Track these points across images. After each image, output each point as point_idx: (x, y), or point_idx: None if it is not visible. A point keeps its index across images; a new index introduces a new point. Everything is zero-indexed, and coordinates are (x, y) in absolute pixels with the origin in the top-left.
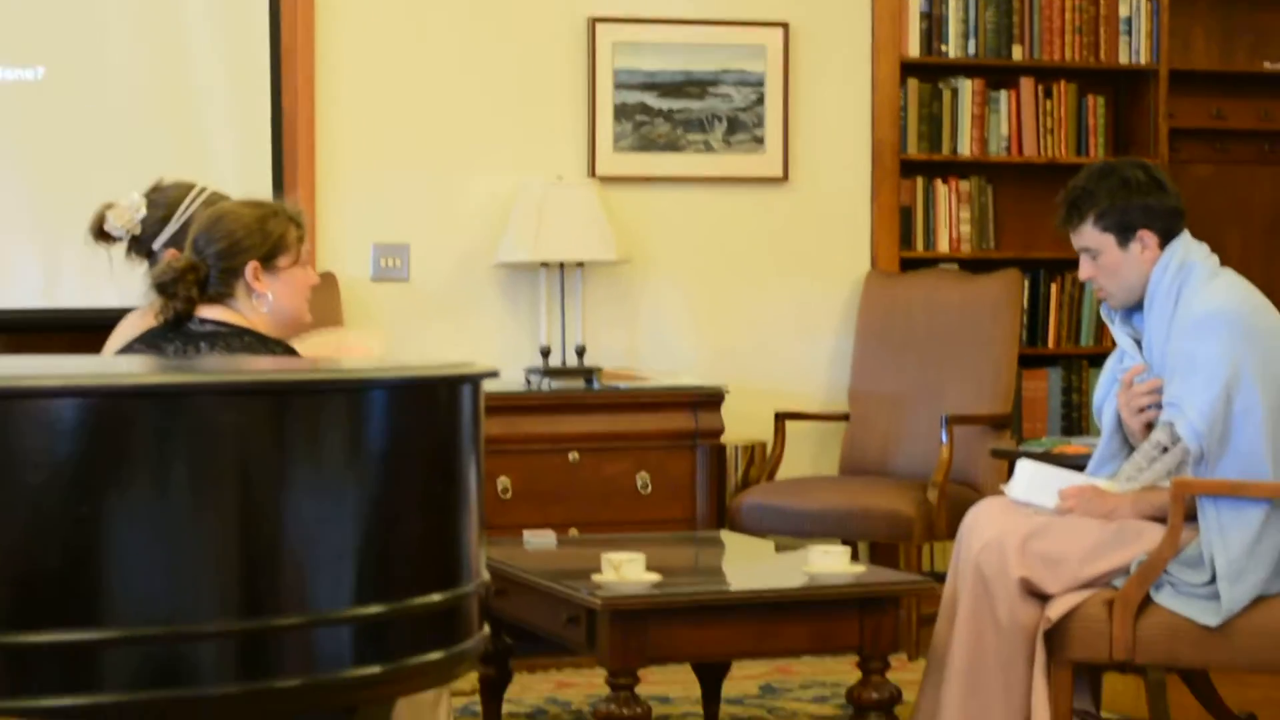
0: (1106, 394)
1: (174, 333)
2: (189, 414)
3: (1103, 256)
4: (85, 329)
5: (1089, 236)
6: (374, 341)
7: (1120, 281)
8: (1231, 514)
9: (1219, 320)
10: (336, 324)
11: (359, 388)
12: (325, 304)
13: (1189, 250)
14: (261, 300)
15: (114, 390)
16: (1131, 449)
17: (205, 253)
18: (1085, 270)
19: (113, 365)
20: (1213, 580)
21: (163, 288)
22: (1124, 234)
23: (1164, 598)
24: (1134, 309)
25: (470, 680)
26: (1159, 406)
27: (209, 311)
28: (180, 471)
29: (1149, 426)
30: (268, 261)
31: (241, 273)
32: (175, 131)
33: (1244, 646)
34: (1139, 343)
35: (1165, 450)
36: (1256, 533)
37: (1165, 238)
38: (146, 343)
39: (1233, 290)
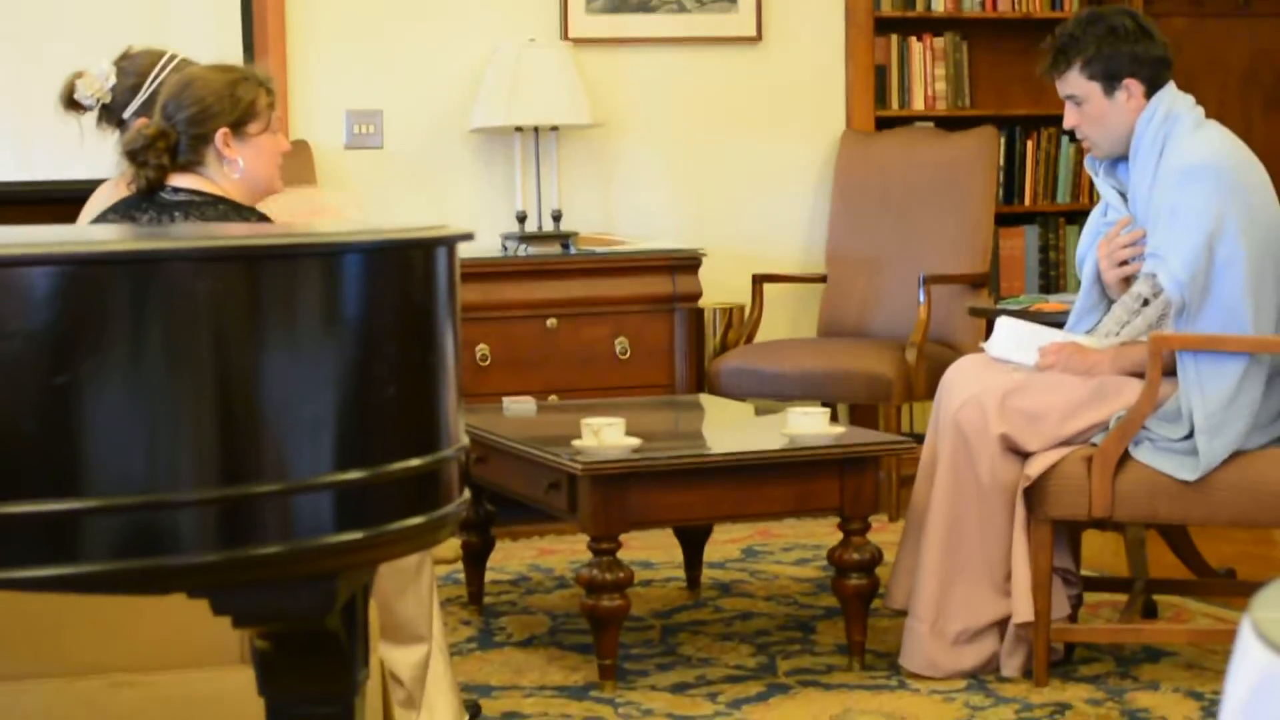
0: (1089, 247)
1: (147, 202)
2: (163, 280)
3: (1088, 104)
4: (59, 201)
5: (1075, 83)
6: (349, 203)
7: (1105, 130)
8: (1210, 367)
9: (1203, 171)
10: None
11: (333, 251)
12: (299, 171)
13: (1175, 100)
14: (232, 167)
15: (86, 258)
16: (1110, 302)
17: (175, 119)
18: (1070, 118)
19: (85, 233)
20: (1191, 435)
21: (133, 155)
22: (1110, 82)
23: (1142, 453)
24: (1119, 161)
25: (453, 548)
26: (1139, 259)
27: (181, 180)
28: (156, 338)
29: (1127, 281)
30: (238, 128)
31: (212, 139)
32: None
33: (1222, 501)
34: (1124, 196)
35: (1146, 302)
36: (1235, 386)
37: (1151, 87)
38: (120, 213)
39: (1218, 141)
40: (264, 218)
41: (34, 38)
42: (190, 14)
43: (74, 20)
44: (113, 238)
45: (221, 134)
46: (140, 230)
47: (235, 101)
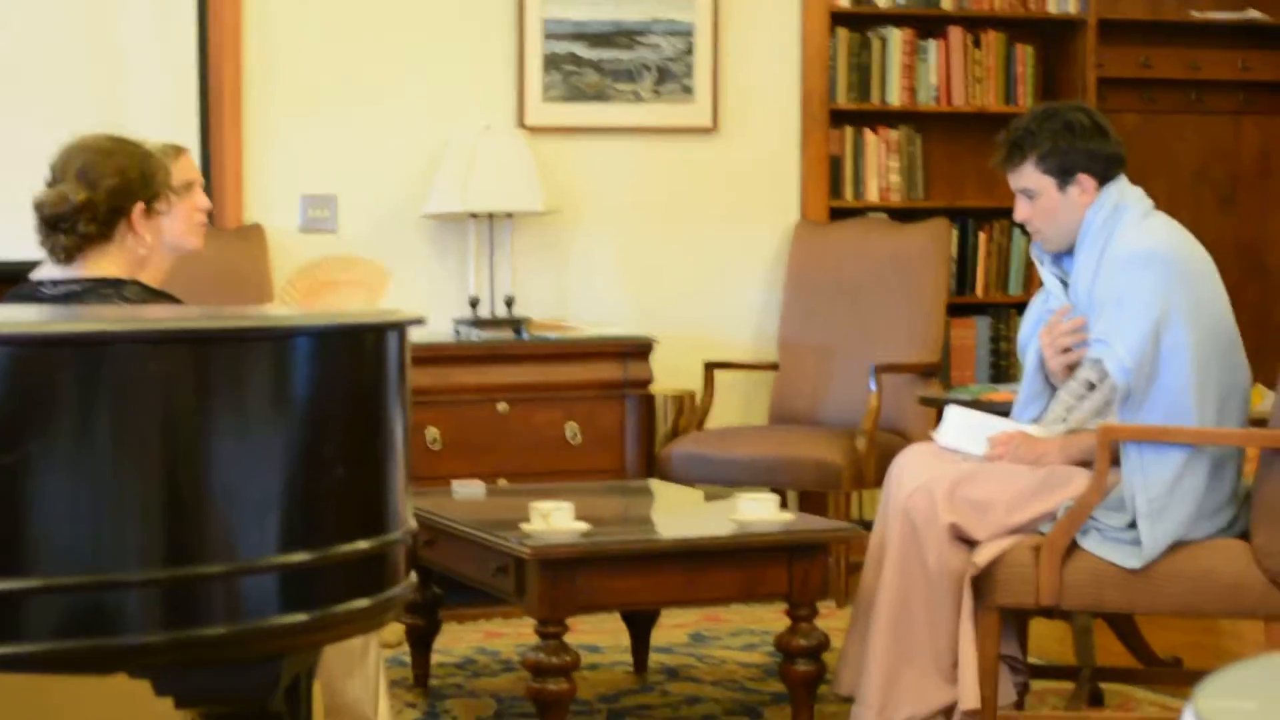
0: (1031, 334)
1: (32, 300)
2: (112, 361)
3: (1041, 199)
4: (14, 281)
5: (1029, 177)
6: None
7: (1056, 224)
8: (1153, 454)
9: (1151, 258)
10: (264, 276)
11: (283, 334)
12: (253, 256)
13: (1124, 193)
14: (139, 242)
15: (36, 339)
16: (1054, 389)
17: (98, 189)
18: (1022, 211)
19: (35, 314)
20: (1135, 523)
21: (56, 221)
22: (1064, 177)
23: (1089, 543)
24: (1065, 252)
25: (398, 631)
26: (1082, 346)
27: (53, 271)
28: (104, 419)
29: (1070, 368)
30: (150, 205)
31: (129, 213)
32: (100, 82)
33: (1167, 591)
34: (1065, 285)
35: (1092, 387)
36: (1177, 472)
37: (1103, 182)
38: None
39: (1165, 231)
40: (148, 289)
41: None
42: (147, 99)
43: (29, 102)
44: (62, 319)
45: (139, 209)
46: (89, 311)
47: (150, 179)
